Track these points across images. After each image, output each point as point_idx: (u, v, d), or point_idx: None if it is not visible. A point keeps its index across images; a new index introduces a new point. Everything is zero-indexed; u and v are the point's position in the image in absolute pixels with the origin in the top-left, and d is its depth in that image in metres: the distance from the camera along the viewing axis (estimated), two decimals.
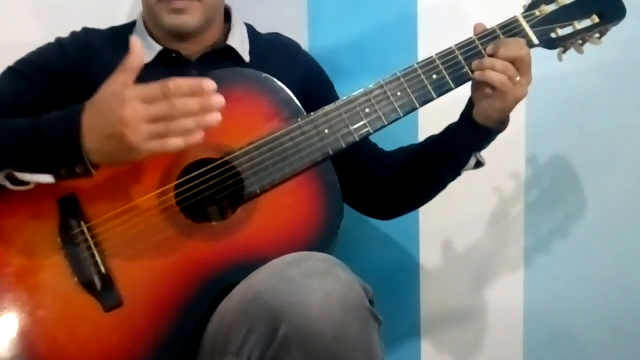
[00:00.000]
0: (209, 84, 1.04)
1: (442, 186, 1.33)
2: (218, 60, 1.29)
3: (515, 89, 1.17)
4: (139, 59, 1.06)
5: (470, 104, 1.25)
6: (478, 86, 1.22)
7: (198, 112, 1.03)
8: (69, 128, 1.06)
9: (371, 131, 1.18)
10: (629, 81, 1.58)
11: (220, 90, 1.20)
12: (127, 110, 1.03)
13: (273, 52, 1.36)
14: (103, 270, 1.12)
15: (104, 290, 1.12)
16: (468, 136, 1.25)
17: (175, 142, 1.03)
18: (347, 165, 1.25)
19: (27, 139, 1.09)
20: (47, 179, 1.09)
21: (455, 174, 1.30)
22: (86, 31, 1.33)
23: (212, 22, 1.31)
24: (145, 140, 1.03)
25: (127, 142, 1.03)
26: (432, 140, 1.31)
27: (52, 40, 1.30)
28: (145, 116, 1.02)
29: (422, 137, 1.56)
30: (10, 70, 1.26)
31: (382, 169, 1.36)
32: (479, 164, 1.29)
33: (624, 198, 1.62)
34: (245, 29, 1.37)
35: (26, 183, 1.10)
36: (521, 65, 1.17)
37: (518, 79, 1.17)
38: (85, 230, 1.13)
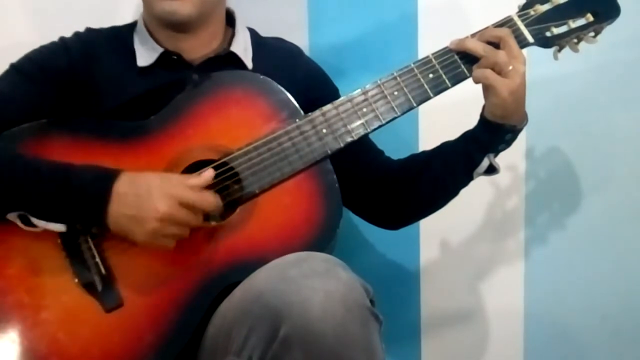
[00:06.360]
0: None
1: (454, 189, 1.30)
2: (220, 66, 1.28)
3: (505, 81, 1.16)
4: (206, 182, 1.13)
5: None
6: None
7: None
8: (100, 191, 1.09)
9: (368, 130, 1.18)
10: (627, 79, 1.58)
11: (219, 91, 1.21)
12: (164, 204, 1.09)
13: (275, 58, 1.35)
14: (103, 270, 1.13)
15: (104, 291, 1.12)
16: (480, 134, 1.24)
17: (168, 244, 1.12)
18: (355, 174, 1.24)
19: (52, 191, 1.10)
20: (60, 227, 1.12)
21: (468, 174, 1.27)
22: (89, 31, 1.32)
23: (208, 20, 1.29)
24: (159, 236, 1.10)
25: (145, 229, 1.09)
26: (447, 143, 1.30)
27: (53, 40, 1.29)
28: (175, 218, 1.09)
29: (422, 137, 1.57)
30: (13, 68, 1.25)
31: (391, 174, 1.34)
32: (492, 169, 1.27)
33: (624, 193, 1.61)
34: (248, 35, 1.35)
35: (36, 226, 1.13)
36: (505, 46, 1.16)
37: (510, 67, 1.15)
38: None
